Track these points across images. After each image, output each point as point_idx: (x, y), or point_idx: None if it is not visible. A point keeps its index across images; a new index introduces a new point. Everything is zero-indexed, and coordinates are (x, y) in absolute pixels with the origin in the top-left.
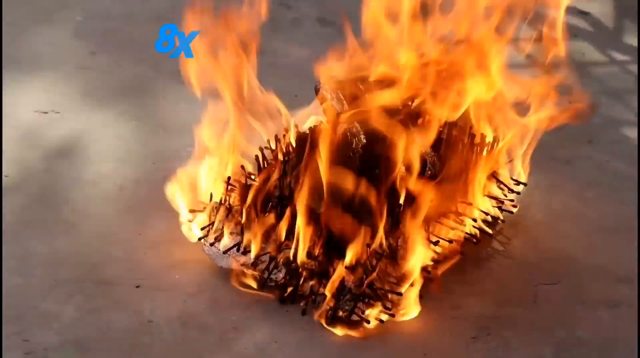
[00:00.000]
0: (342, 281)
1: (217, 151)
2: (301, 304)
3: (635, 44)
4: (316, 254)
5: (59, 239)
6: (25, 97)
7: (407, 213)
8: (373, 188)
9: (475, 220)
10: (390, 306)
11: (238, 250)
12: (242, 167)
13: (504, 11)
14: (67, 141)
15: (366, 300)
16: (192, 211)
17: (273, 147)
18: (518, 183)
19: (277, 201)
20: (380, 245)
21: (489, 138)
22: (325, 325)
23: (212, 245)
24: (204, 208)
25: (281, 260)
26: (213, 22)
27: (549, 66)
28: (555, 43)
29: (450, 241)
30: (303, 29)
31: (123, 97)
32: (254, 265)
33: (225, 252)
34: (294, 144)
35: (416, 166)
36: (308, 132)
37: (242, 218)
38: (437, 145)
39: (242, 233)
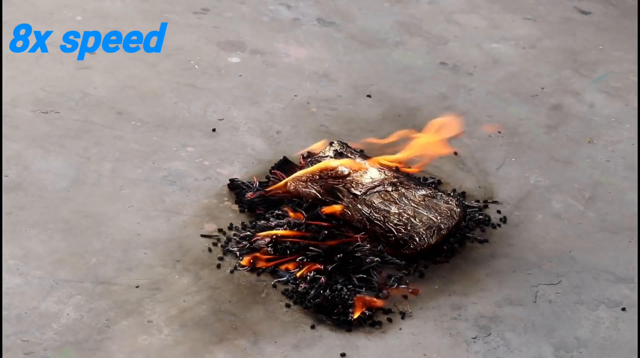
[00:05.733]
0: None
1: None
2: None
3: (635, 44)
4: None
5: (59, 239)
6: (25, 97)
7: None
8: None
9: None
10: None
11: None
12: None
13: None
14: (66, 141)
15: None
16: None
17: None
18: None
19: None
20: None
21: None
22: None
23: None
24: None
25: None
26: None
27: None
28: None
29: None
30: (303, 29)
31: (121, 97)
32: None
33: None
34: None
35: None
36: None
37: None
38: None
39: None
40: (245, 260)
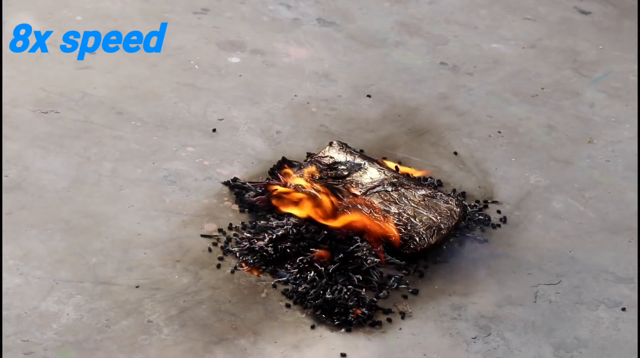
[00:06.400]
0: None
1: None
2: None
3: (635, 44)
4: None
5: (59, 239)
6: (25, 97)
7: None
8: None
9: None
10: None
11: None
12: None
13: None
14: (66, 141)
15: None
16: None
17: None
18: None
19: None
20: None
21: None
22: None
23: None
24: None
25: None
26: None
27: None
28: None
29: None
30: (303, 29)
31: (121, 97)
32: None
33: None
34: None
35: None
36: None
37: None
38: None
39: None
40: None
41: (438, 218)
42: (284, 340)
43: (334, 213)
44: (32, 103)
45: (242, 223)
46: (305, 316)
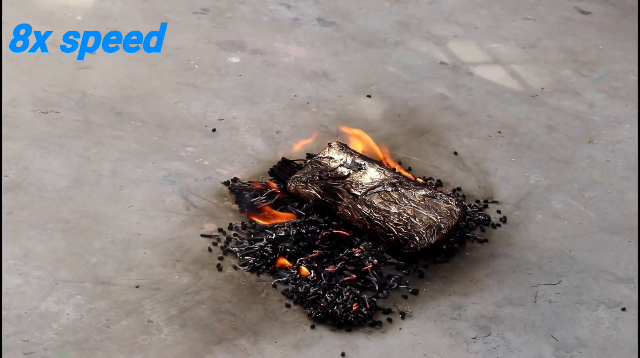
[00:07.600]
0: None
1: None
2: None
3: (635, 44)
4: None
5: (59, 239)
6: (25, 97)
7: None
8: None
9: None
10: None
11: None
12: None
13: None
14: (66, 141)
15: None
16: None
17: None
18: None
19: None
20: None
21: None
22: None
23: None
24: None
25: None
26: None
27: None
28: None
29: None
30: (303, 29)
31: (121, 97)
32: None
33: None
34: None
35: None
36: None
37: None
38: None
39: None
40: None
41: (438, 218)
42: (284, 340)
43: None
44: (32, 103)
45: (242, 223)
46: (305, 316)
